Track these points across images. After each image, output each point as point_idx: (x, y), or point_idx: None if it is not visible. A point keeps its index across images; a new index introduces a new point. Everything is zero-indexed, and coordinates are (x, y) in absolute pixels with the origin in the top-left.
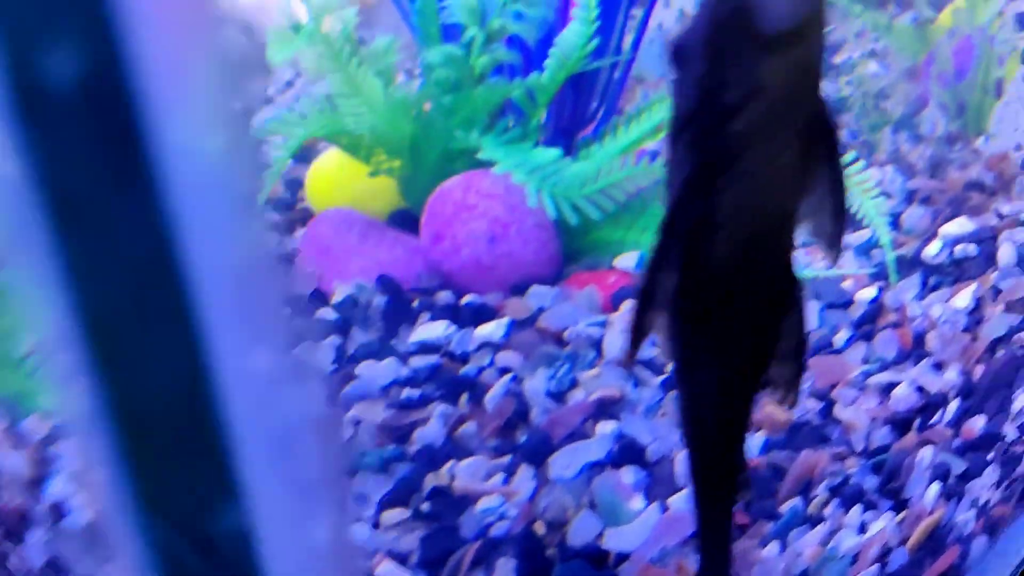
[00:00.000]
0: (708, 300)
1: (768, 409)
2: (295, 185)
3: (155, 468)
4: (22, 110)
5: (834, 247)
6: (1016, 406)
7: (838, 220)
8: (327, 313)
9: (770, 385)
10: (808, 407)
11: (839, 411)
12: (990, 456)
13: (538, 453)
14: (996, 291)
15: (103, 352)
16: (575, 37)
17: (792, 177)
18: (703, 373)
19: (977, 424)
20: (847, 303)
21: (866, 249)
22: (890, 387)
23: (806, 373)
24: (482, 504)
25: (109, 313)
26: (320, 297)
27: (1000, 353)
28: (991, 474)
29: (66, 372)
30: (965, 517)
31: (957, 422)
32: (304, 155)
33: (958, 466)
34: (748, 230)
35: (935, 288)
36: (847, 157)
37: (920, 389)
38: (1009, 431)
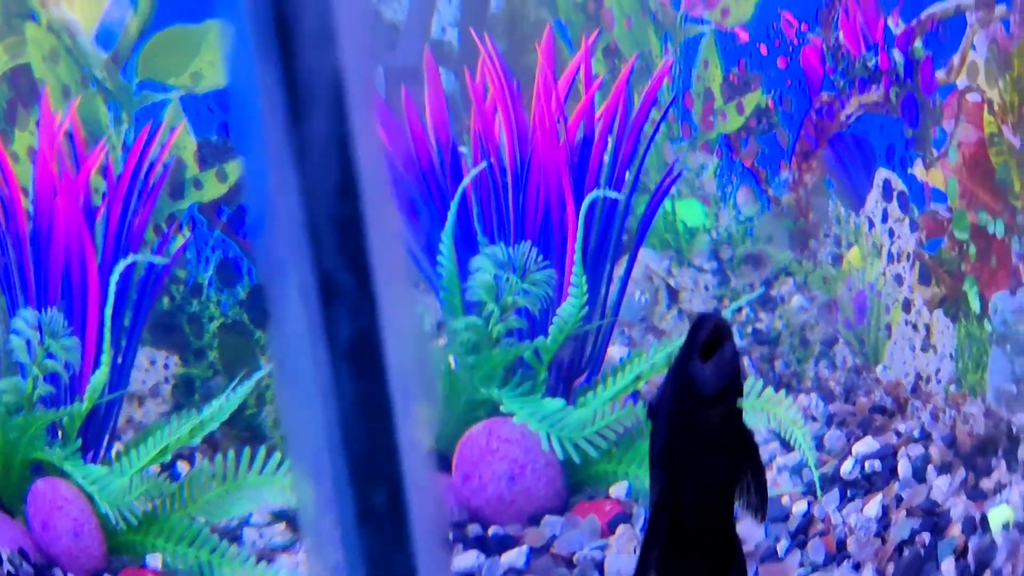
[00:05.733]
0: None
1: None
2: None
3: None
4: None
5: (759, 515)
6: None
7: (760, 497)
8: None
9: None
10: None
11: None
12: None
13: None
14: (898, 499)
15: None
16: (572, 308)
17: (724, 479)
18: None
19: None
20: (785, 516)
21: (798, 469)
22: None
23: None
24: None
25: None
26: None
27: (905, 553)
28: None
29: None
30: None
31: None
32: None
33: None
34: (697, 517)
35: (851, 499)
36: (781, 394)
37: None
38: None
